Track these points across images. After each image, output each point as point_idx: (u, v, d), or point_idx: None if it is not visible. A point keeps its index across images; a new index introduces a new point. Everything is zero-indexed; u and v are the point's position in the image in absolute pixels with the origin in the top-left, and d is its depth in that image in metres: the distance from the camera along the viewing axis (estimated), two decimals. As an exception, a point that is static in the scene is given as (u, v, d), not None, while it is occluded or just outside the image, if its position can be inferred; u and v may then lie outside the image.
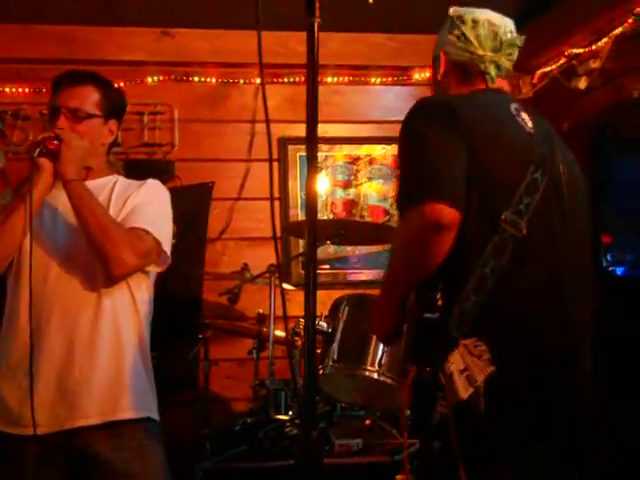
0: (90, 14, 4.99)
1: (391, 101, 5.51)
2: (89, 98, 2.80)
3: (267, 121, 1.98)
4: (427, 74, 5.50)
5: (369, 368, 3.71)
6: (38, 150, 2.63)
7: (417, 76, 5.48)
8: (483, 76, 2.48)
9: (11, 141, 5.08)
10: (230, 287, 4.53)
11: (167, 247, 2.77)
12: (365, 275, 5.35)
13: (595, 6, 4.75)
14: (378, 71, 5.47)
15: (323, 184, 5.42)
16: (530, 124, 2.38)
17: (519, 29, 5.60)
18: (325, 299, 5.27)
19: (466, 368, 2.10)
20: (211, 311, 5.04)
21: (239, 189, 5.30)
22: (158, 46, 5.24)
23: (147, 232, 2.70)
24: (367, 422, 3.74)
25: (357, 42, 5.37)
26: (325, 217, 5.34)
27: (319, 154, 5.43)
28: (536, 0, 5.20)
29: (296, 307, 4.93)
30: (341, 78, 5.51)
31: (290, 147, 5.38)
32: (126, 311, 2.74)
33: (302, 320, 3.97)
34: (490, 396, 2.08)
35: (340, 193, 5.44)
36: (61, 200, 2.72)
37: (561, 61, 5.15)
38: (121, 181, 2.87)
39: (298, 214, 5.32)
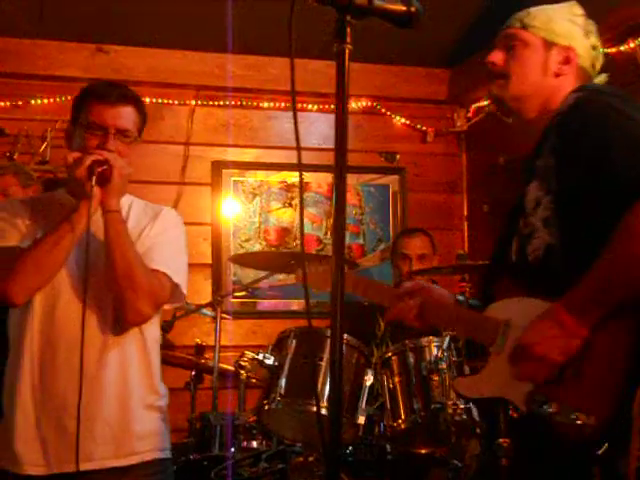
0: (22, 26, 4.80)
1: (327, 129, 5.45)
2: (134, 120, 2.55)
3: (298, 148, 1.82)
4: (363, 103, 5.47)
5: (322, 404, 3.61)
6: (95, 178, 2.39)
7: (354, 105, 5.44)
8: (593, 71, 2.37)
9: None
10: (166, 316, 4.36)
11: (185, 288, 2.62)
12: (297, 305, 5.27)
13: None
14: (316, 98, 5.40)
15: (256, 211, 5.32)
16: None
17: (457, 63, 5.66)
18: (257, 328, 5.21)
19: None
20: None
21: (170, 213, 5.15)
22: (92, 62, 5.09)
23: (167, 277, 2.55)
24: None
25: (296, 68, 5.29)
26: (257, 245, 5.23)
27: (251, 180, 5.34)
28: (473, 35, 5.23)
29: (233, 337, 4.93)
30: (278, 104, 5.43)
31: (224, 171, 5.25)
32: (134, 349, 2.58)
33: (247, 352, 3.89)
34: None
35: (273, 220, 5.34)
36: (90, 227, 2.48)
37: (497, 96, 5.18)
38: (136, 204, 2.69)
39: (230, 240, 5.20)
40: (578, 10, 2.36)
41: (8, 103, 4.97)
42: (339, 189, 1.82)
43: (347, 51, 1.82)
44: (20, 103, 5.00)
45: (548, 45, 2.31)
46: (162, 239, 2.60)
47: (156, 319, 2.67)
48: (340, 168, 1.81)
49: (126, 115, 2.52)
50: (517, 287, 2.26)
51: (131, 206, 2.66)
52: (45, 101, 5.04)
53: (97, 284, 2.50)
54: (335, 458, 1.78)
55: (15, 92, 5.02)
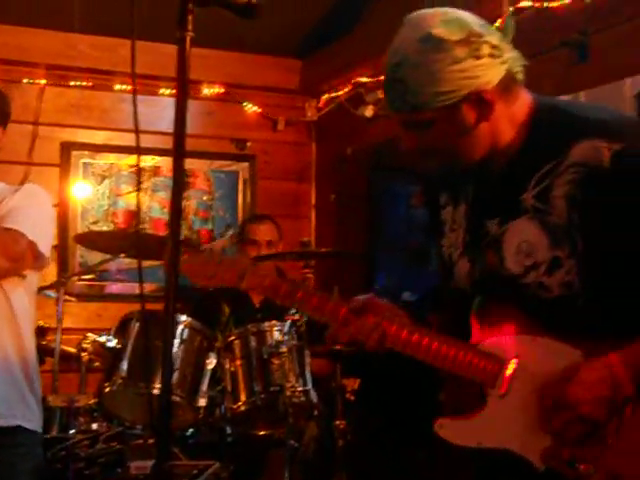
0: None
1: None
2: None
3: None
4: (216, 89, 5.50)
5: (159, 386, 3.64)
6: None
7: (206, 91, 5.46)
8: (515, 80, 1.98)
9: None
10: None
11: (44, 248, 2.69)
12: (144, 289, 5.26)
13: (385, 38, 4.93)
14: (168, 82, 5.39)
15: (105, 193, 5.29)
16: None
17: (309, 54, 5.74)
18: (102, 311, 5.19)
19: None
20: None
21: (16, 193, 5.06)
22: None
23: (21, 234, 2.60)
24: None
25: (149, 51, 5.27)
26: (105, 227, 5.21)
27: (101, 162, 5.30)
28: (325, 27, 5.34)
29: (77, 320, 4.89)
30: (129, 86, 5.39)
31: (74, 153, 5.20)
32: (2, 318, 2.64)
33: (90, 335, 3.89)
34: None
35: (122, 203, 5.32)
36: None
37: (348, 88, 5.30)
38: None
39: (78, 222, 5.16)
40: (451, 38, 1.89)
41: None
42: (177, 174, 1.87)
43: (188, 39, 1.85)
44: None
45: (451, 109, 1.91)
46: (19, 204, 2.69)
47: (22, 289, 2.71)
48: (177, 155, 1.85)
49: None
50: (523, 324, 2.00)
51: None
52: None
53: None
54: (165, 438, 1.84)
55: None
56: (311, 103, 5.71)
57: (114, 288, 5.30)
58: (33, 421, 2.70)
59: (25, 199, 2.72)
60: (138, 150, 1.98)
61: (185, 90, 1.91)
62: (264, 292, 2.25)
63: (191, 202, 5.40)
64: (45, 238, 2.71)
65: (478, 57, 1.88)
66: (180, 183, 1.89)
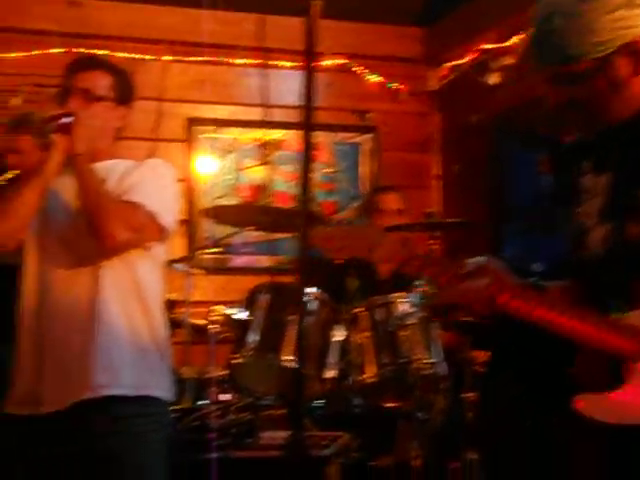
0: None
1: (301, 86, 5.44)
2: (100, 81, 2.80)
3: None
4: (338, 61, 5.47)
5: (287, 358, 3.66)
6: (53, 126, 2.62)
7: (327, 62, 5.43)
8: None
9: None
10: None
11: (165, 220, 2.71)
12: (270, 261, 5.31)
13: (509, 3, 4.82)
14: (290, 55, 5.39)
15: (230, 168, 5.34)
16: None
17: (430, 22, 5.65)
18: (228, 284, 5.24)
19: None
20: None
21: (143, 169, 5.16)
22: (65, 15, 5.06)
23: (140, 205, 2.65)
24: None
25: (271, 24, 5.29)
26: (230, 201, 5.26)
27: (225, 137, 5.35)
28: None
29: (204, 293, 4.96)
30: (251, 60, 5.42)
31: (198, 128, 5.26)
32: (127, 289, 2.69)
33: (218, 307, 3.93)
34: None
35: (246, 177, 5.36)
36: (64, 184, 2.70)
37: (472, 56, 5.20)
38: (125, 163, 2.82)
39: (203, 197, 5.23)
40: None
41: (-20, 57, 4.94)
42: (307, 146, 1.87)
43: (317, 7, 1.84)
44: (-6, 55, 4.97)
45: (604, 60, 1.87)
46: (140, 178, 2.73)
47: (147, 261, 2.74)
48: (307, 126, 1.84)
49: (89, 77, 2.79)
50: None
51: (119, 166, 2.81)
52: (18, 55, 5.01)
53: (82, 234, 2.64)
54: (300, 409, 1.84)
55: (-13, 45, 4.99)
56: (433, 72, 5.62)
57: (238, 261, 5.36)
58: (164, 390, 2.75)
59: (146, 173, 2.77)
60: (266, 124, 1.97)
61: (312, 61, 1.91)
62: (394, 262, 2.22)
63: (315, 175, 5.39)
64: (166, 210, 2.74)
65: (633, 6, 1.84)
66: (309, 156, 1.89)
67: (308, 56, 1.93)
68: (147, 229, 2.69)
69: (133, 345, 2.68)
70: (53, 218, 2.73)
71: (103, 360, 2.62)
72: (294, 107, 5.35)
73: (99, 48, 5.10)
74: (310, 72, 1.93)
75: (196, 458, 3.26)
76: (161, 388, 2.74)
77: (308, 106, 1.90)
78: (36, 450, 2.62)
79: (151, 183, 2.75)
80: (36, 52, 5.01)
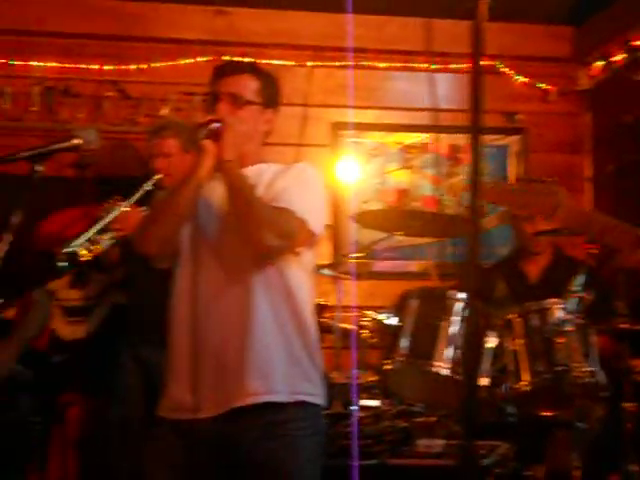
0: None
1: (447, 89, 5.38)
2: (249, 86, 2.81)
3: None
4: (485, 62, 5.36)
5: (440, 364, 3.60)
6: (204, 132, 2.65)
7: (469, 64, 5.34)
8: None
9: (60, 118, 4.96)
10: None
11: (316, 226, 2.72)
12: (417, 266, 5.25)
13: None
14: (433, 57, 5.33)
15: (375, 172, 5.31)
16: None
17: (580, 21, 5.49)
18: (375, 289, 5.21)
19: None
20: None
21: (289, 175, 5.18)
22: (212, 25, 5.14)
23: (292, 212, 2.66)
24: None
25: (417, 27, 5.24)
26: (377, 206, 5.23)
27: (370, 141, 5.33)
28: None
29: (351, 298, 4.94)
30: (395, 64, 5.38)
31: (343, 133, 5.25)
32: (278, 295, 2.71)
33: (368, 312, 3.91)
34: None
35: (391, 181, 5.32)
36: (215, 191, 2.74)
37: (624, 53, 5.03)
38: (273, 167, 2.84)
39: (349, 201, 5.21)
40: None
41: (133, 66, 5.05)
42: (475, 150, 1.81)
43: (484, 6, 1.80)
44: (145, 67, 5.08)
45: None
46: (289, 183, 2.73)
47: (297, 266, 2.75)
48: (475, 129, 1.79)
49: (237, 82, 2.81)
50: None
51: (268, 169, 2.82)
52: (166, 64, 5.11)
53: (234, 241, 2.68)
54: (471, 421, 1.79)
55: (138, 55, 5.11)
56: (584, 71, 5.46)
57: (382, 266, 5.32)
58: (318, 396, 2.74)
59: (294, 177, 2.76)
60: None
61: (479, 63, 1.86)
62: (576, 226, 2.15)
63: (461, 178, 5.32)
64: (316, 216, 2.73)
65: None
66: (478, 160, 1.83)
67: (474, 58, 1.87)
68: (297, 235, 2.69)
69: (286, 351, 2.68)
70: (204, 225, 2.75)
71: (258, 367, 2.63)
72: (435, 110, 5.31)
73: (245, 56, 5.16)
74: (477, 74, 1.87)
75: (346, 464, 3.23)
76: (314, 394, 2.73)
77: (475, 108, 1.83)
78: (193, 454, 2.64)
79: (300, 188, 2.74)
80: (183, 61, 5.10)
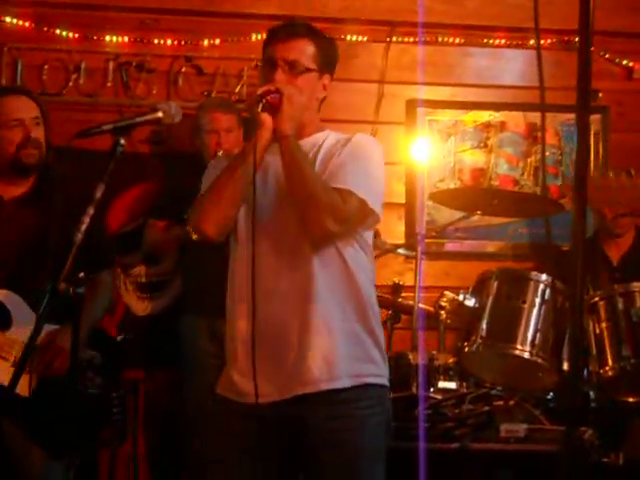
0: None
1: (523, 66, 5.25)
2: (306, 51, 2.69)
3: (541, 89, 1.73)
4: (564, 38, 5.23)
5: (521, 347, 3.54)
6: (261, 105, 2.53)
7: (550, 40, 5.20)
8: None
9: (135, 94, 4.94)
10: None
11: (376, 205, 2.63)
12: (492, 247, 5.16)
13: None
14: (511, 33, 5.20)
15: (451, 150, 5.21)
16: None
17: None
18: (449, 269, 5.13)
19: None
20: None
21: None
22: (286, 0, 5.06)
23: (351, 193, 2.57)
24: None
25: (492, 3, 5.12)
26: (452, 185, 5.13)
27: (446, 119, 5.23)
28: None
29: (426, 278, 4.87)
30: (473, 40, 5.26)
31: (419, 110, 5.16)
32: (339, 276, 2.64)
33: (447, 293, 3.84)
34: None
35: (468, 160, 5.22)
36: (273, 166, 2.65)
37: None
38: (331, 137, 2.74)
39: (424, 180, 5.12)
40: None
41: (206, 42, 5.01)
42: (582, 131, 1.74)
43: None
44: (218, 42, 5.03)
45: None
46: (348, 159, 2.63)
47: (356, 244, 2.67)
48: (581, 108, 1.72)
49: (294, 47, 2.67)
50: None
51: (326, 139, 2.73)
52: (240, 39, 5.05)
53: (292, 220, 2.61)
54: (575, 405, 1.73)
55: (212, 30, 5.06)
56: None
57: (456, 246, 5.22)
58: (379, 376, 2.68)
59: (353, 153, 2.65)
60: (542, 107, 1.85)
61: (589, 40, 1.79)
62: None
63: (539, 157, 5.19)
64: (375, 195, 2.65)
65: None
66: (585, 138, 1.76)
67: (583, 33, 1.79)
68: (358, 217, 2.62)
69: (347, 334, 2.62)
70: (261, 203, 2.63)
71: (320, 352, 2.57)
72: (514, 87, 5.18)
73: (322, 31, 5.10)
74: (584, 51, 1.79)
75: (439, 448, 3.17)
76: (378, 374, 2.67)
77: (583, 86, 1.75)
78: (259, 436, 2.60)
79: (358, 165, 2.63)
80: (257, 36, 5.03)
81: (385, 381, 2.70)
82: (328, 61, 2.75)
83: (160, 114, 2.56)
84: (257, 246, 2.58)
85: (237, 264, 2.67)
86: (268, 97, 2.54)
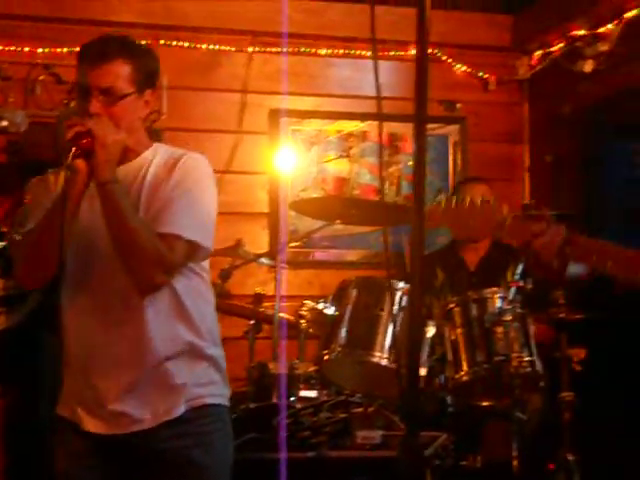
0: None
1: (386, 76, 5.33)
2: (121, 74, 2.46)
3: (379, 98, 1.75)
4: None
5: (379, 354, 3.58)
6: (72, 153, 2.33)
7: (413, 51, 5.30)
8: None
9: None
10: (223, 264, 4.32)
11: (206, 241, 2.51)
12: (354, 256, 5.22)
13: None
14: (368, 44, 5.27)
15: (314, 160, 5.25)
16: None
17: (519, 9, 5.50)
18: (312, 279, 5.17)
19: None
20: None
21: (227, 162, 5.10)
22: (147, 7, 5.01)
23: (178, 238, 2.43)
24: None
25: (355, 14, 5.18)
26: (315, 194, 5.18)
27: (309, 129, 5.26)
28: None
29: (289, 287, 4.88)
30: (336, 50, 5.32)
31: (282, 120, 5.18)
32: (169, 309, 2.52)
33: (307, 302, 3.86)
34: None
35: (331, 170, 5.27)
36: (96, 211, 2.45)
37: (563, 43, 5.02)
38: (159, 156, 2.57)
39: (287, 190, 5.15)
40: None
41: (66, 49, 4.91)
42: (419, 140, 1.76)
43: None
44: (78, 50, 4.92)
45: None
46: (175, 194, 2.46)
47: (187, 272, 2.55)
48: (420, 119, 1.74)
49: (107, 73, 2.45)
50: None
51: (154, 159, 2.56)
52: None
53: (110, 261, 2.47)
54: (414, 409, 1.76)
55: (72, 38, 4.96)
56: (523, 61, 5.45)
57: (321, 255, 5.27)
58: (217, 396, 2.61)
59: (180, 185, 2.47)
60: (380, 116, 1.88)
61: (425, 52, 1.82)
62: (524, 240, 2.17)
63: (400, 166, 5.29)
64: (205, 229, 2.51)
65: None
66: (422, 148, 1.79)
67: (419, 46, 1.82)
68: (187, 258, 2.50)
69: (184, 362, 2.54)
70: (90, 239, 2.50)
71: (154, 387, 2.51)
72: (380, 98, 5.24)
73: (183, 40, 5.07)
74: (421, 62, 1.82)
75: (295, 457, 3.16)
76: (215, 394, 2.60)
77: (420, 98, 1.78)
78: (97, 457, 2.55)
79: (186, 200, 2.47)
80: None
81: (224, 401, 2.63)
82: (147, 77, 2.54)
83: (5, 122, 2.48)
84: (87, 285, 2.50)
85: (65, 304, 2.58)
86: (81, 142, 2.34)
